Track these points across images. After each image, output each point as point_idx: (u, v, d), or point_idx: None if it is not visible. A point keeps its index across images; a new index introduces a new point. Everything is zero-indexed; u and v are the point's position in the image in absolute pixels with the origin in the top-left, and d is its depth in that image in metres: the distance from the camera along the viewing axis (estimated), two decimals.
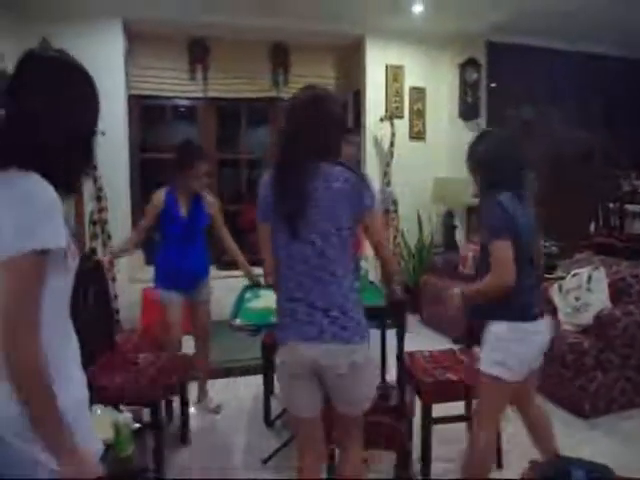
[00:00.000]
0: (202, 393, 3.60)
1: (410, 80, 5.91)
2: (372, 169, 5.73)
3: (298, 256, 1.82)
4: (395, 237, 5.82)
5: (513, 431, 3.00)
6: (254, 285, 3.31)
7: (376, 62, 5.80)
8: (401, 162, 5.77)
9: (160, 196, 3.25)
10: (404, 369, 2.50)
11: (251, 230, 5.75)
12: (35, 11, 4.50)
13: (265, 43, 5.80)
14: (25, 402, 1.10)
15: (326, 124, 1.82)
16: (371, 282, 3.27)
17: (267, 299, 2.96)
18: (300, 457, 2.00)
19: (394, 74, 5.85)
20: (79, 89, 1.22)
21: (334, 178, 1.80)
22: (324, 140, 1.82)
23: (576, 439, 3.09)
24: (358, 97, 6.03)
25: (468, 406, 2.83)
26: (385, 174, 5.72)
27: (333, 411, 1.97)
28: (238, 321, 2.66)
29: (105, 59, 4.85)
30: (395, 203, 5.79)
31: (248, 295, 3.18)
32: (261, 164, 6.31)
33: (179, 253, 3.29)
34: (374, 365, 2.00)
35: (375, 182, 5.37)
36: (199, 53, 5.64)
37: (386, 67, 5.83)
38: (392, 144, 5.69)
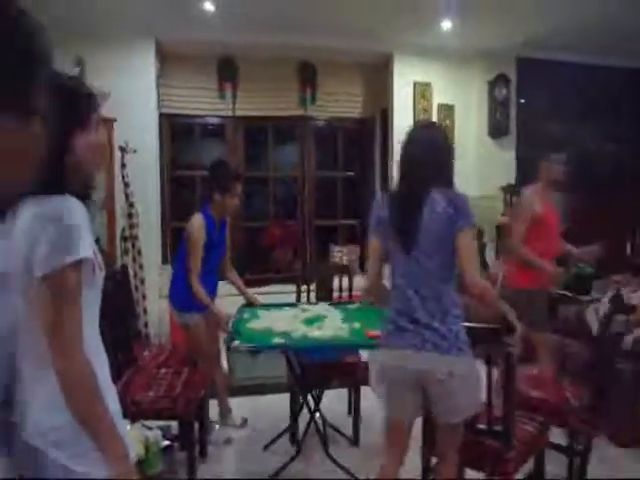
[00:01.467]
0: (225, 409, 3.58)
1: (438, 97, 5.87)
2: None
3: (404, 272, 2.05)
4: None
5: None
6: (250, 304, 3.34)
7: (403, 79, 5.79)
8: None
9: (202, 226, 3.20)
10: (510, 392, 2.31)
11: (275, 247, 5.79)
12: (70, 31, 4.59)
13: (293, 61, 5.83)
14: (80, 411, 1.12)
15: (436, 155, 2.07)
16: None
17: (267, 319, 2.97)
18: (385, 457, 2.15)
19: (422, 91, 5.83)
20: None
21: (440, 202, 2.00)
22: (435, 169, 2.04)
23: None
24: (385, 115, 6.03)
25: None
26: None
27: (433, 422, 2.09)
28: (237, 343, 2.60)
29: (138, 79, 4.98)
30: None
31: (246, 315, 3.14)
32: (288, 182, 6.32)
33: (210, 275, 3.30)
34: (475, 378, 2.05)
35: None
36: (228, 72, 5.71)
37: (414, 84, 5.81)
38: None
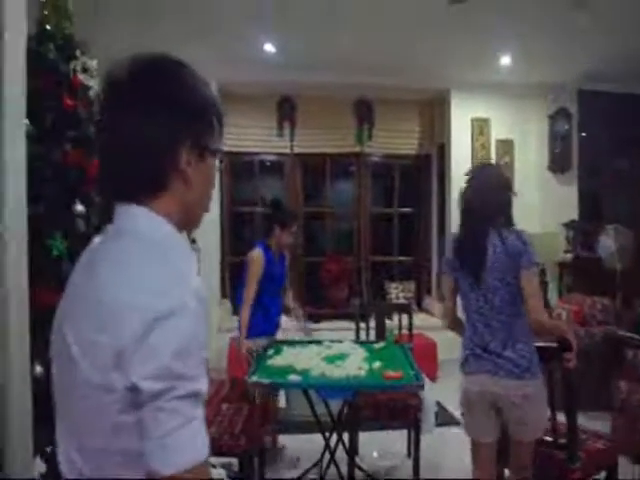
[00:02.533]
0: (276, 445, 3.56)
1: (497, 132, 5.80)
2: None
3: (474, 305, 2.19)
4: None
5: None
6: (279, 342, 3.33)
7: (461, 115, 5.74)
8: None
9: (260, 258, 3.32)
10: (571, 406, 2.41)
11: (331, 282, 5.74)
12: None
13: (350, 99, 5.88)
14: None
15: (495, 195, 2.18)
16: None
17: (289, 356, 2.94)
18: (474, 475, 2.30)
19: (480, 127, 5.77)
20: None
21: (502, 240, 2.12)
22: (494, 209, 2.17)
23: None
24: (442, 151, 5.98)
25: None
26: None
27: (508, 440, 2.23)
28: (255, 378, 2.56)
29: None
30: None
31: (271, 351, 3.12)
32: (345, 218, 6.33)
33: (274, 304, 3.43)
34: (544, 397, 2.19)
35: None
36: (287, 110, 5.82)
37: (472, 120, 5.76)
38: None
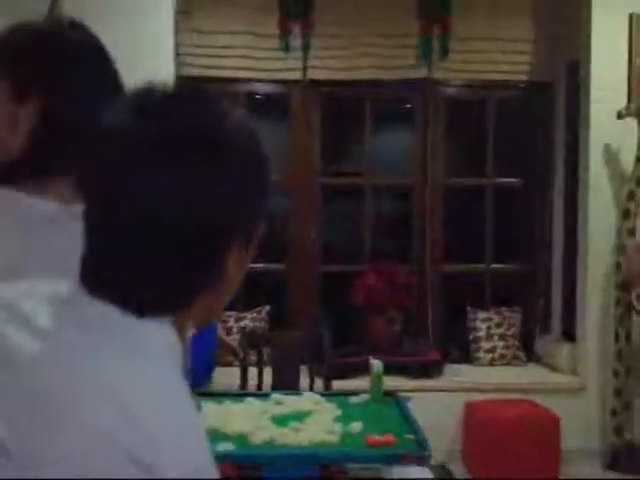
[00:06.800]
0: None
1: None
2: (600, 200, 4.07)
3: None
4: None
5: None
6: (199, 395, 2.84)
7: (609, 11, 4.08)
8: None
9: None
10: None
11: (372, 308, 4.10)
12: None
13: None
14: None
15: None
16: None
17: (217, 415, 2.64)
18: None
19: None
20: None
21: None
22: None
23: None
24: (575, 73, 4.37)
25: None
26: (626, 213, 3.90)
27: None
28: None
29: (144, 19, 3.79)
30: None
31: None
32: (397, 194, 4.86)
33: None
34: None
35: (601, 225, 3.99)
36: (297, 5, 4.13)
37: (630, 17, 4.06)
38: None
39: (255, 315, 3.84)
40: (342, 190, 4.71)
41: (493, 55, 4.35)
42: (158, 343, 0.63)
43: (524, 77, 4.49)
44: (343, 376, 3.69)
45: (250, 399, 2.83)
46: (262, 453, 2.32)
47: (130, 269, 0.62)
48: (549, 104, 4.57)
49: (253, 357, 3.18)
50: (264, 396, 2.89)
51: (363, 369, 3.68)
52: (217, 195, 0.61)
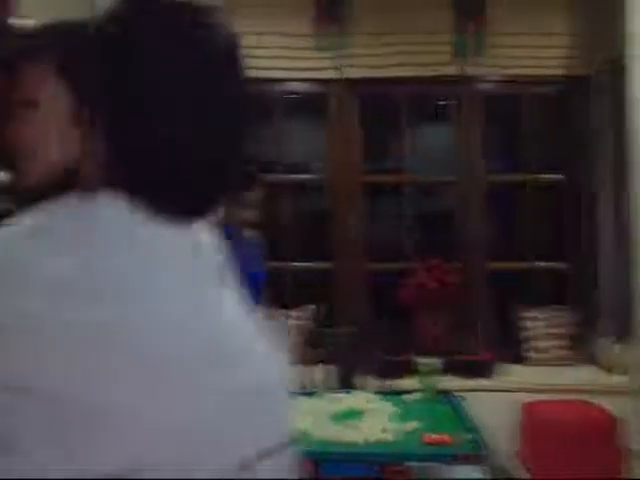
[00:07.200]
0: None
1: None
2: None
3: None
4: None
5: None
6: None
7: None
8: None
9: None
10: None
11: (418, 309, 4.00)
12: None
13: None
14: None
15: None
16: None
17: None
18: None
19: None
20: None
21: None
22: None
23: None
24: (619, 73, 4.17)
25: None
26: None
27: None
28: None
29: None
30: None
31: None
32: (439, 192, 4.73)
33: None
34: None
35: None
36: (334, 2, 4.11)
37: None
38: None
39: (301, 314, 3.73)
40: (383, 188, 4.57)
41: (531, 51, 4.30)
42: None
43: (563, 72, 4.38)
44: (394, 375, 3.61)
45: (304, 397, 2.80)
46: (320, 450, 2.28)
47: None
48: (588, 99, 4.43)
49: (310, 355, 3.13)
50: (318, 394, 2.84)
51: (413, 368, 3.51)
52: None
